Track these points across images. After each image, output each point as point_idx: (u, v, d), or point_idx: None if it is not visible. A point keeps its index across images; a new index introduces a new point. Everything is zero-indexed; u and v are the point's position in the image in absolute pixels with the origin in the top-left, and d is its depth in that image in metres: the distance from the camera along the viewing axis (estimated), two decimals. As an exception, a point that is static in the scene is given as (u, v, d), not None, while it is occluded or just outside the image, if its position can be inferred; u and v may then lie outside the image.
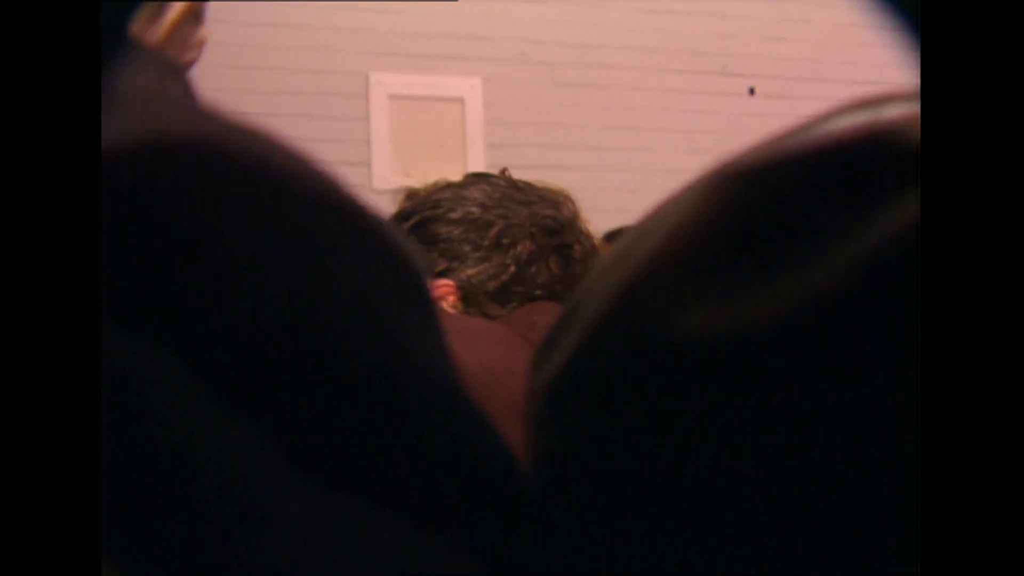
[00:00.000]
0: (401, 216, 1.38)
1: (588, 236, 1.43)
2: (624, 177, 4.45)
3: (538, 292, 1.31)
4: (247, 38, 4.13)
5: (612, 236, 3.94)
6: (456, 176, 4.53)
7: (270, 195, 0.39)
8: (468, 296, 1.29)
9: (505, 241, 1.31)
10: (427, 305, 0.43)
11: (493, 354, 1.16)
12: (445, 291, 1.30)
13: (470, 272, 1.30)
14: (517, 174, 1.38)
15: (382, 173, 4.21)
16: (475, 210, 1.33)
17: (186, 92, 0.53)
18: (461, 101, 4.34)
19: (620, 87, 4.42)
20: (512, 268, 1.30)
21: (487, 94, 4.39)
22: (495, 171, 1.35)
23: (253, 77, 4.10)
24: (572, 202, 1.86)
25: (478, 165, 4.33)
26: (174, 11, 0.87)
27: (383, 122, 4.25)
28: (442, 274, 1.31)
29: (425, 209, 1.36)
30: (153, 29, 0.94)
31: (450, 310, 1.31)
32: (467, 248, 1.31)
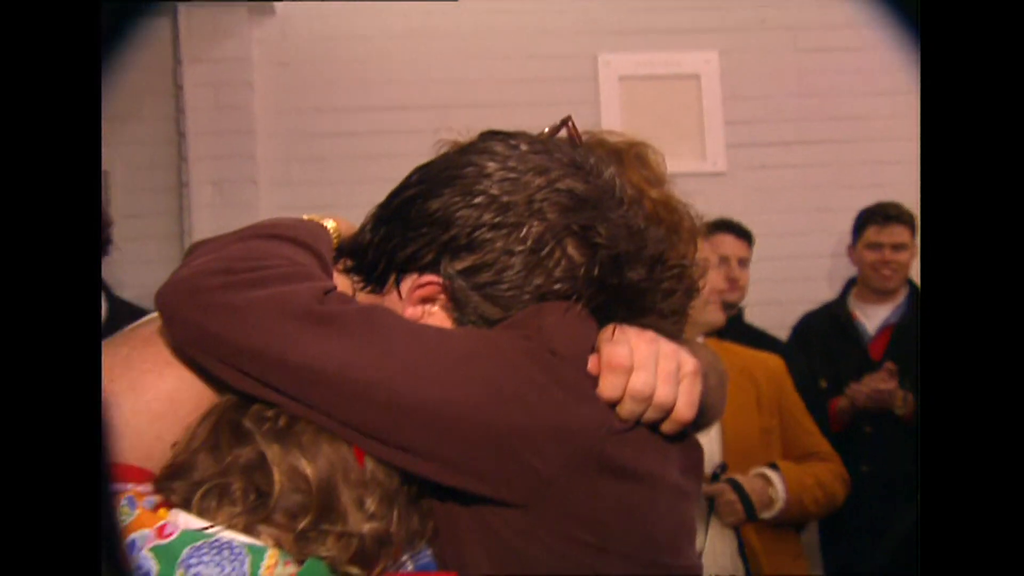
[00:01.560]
0: (405, 184, 1.08)
1: (637, 216, 1.06)
2: (880, 149, 4.04)
3: (556, 286, 1.00)
4: (472, 27, 4.09)
5: (721, 226, 3.57)
6: (692, 159, 4.28)
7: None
8: (459, 295, 1.01)
9: (505, 221, 1.00)
10: None
11: (491, 377, 0.93)
12: (432, 291, 1.03)
13: (461, 264, 1.01)
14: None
15: (613, 158, 4.05)
16: (476, 183, 1.02)
17: None
18: (696, 78, 4.10)
19: (873, 48, 3.99)
20: (515, 257, 1.00)
21: (724, 67, 4.13)
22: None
23: (481, 67, 4.06)
24: (648, 163, 1.39)
25: (717, 145, 4.08)
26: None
27: (614, 105, 4.10)
28: (428, 267, 1.02)
29: (424, 181, 1.06)
30: None
31: (440, 314, 1.02)
32: (456, 232, 1.00)
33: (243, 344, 0.91)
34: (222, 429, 0.93)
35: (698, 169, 4.05)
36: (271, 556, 0.85)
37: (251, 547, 0.85)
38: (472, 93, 3.97)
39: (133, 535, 0.83)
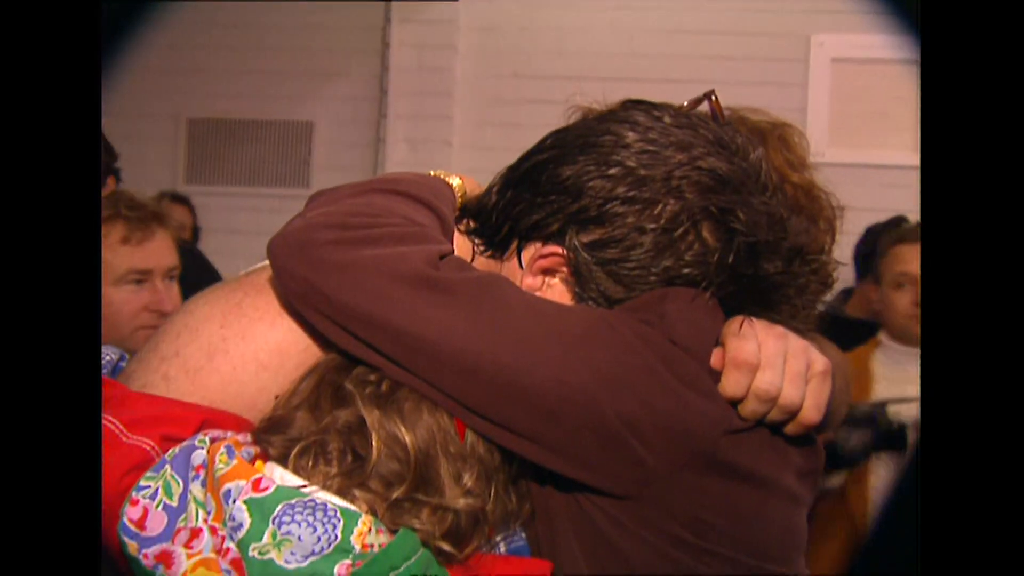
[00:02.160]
0: (538, 147, 1.02)
1: (781, 204, 0.97)
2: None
3: (686, 270, 0.93)
4: (680, 0, 3.99)
5: (892, 227, 3.16)
6: (900, 151, 3.99)
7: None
8: (582, 270, 0.95)
9: (639, 196, 0.93)
10: None
11: (606, 362, 0.87)
12: (554, 262, 0.97)
13: (588, 237, 0.94)
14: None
15: (816, 145, 3.87)
16: (613, 152, 0.95)
17: None
18: (916, 64, 3.83)
19: None
20: (646, 235, 0.93)
21: (950, 55, 3.84)
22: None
23: (686, 42, 3.95)
24: (791, 146, 1.29)
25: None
26: None
27: (823, 88, 3.90)
28: (552, 238, 0.96)
29: (557, 146, 0.99)
30: None
31: (559, 287, 0.97)
32: (586, 202, 0.94)
33: (350, 304, 0.89)
34: (324, 388, 0.90)
35: (909, 162, 3.81)
36: (364, 522, 0.82)
37: (345, 511, 0.82)
38: (675, 68, 3.87)
39: (228, 484, 0.82)
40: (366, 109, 4.04)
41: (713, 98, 1.09)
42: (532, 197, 0.98)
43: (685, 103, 1.07)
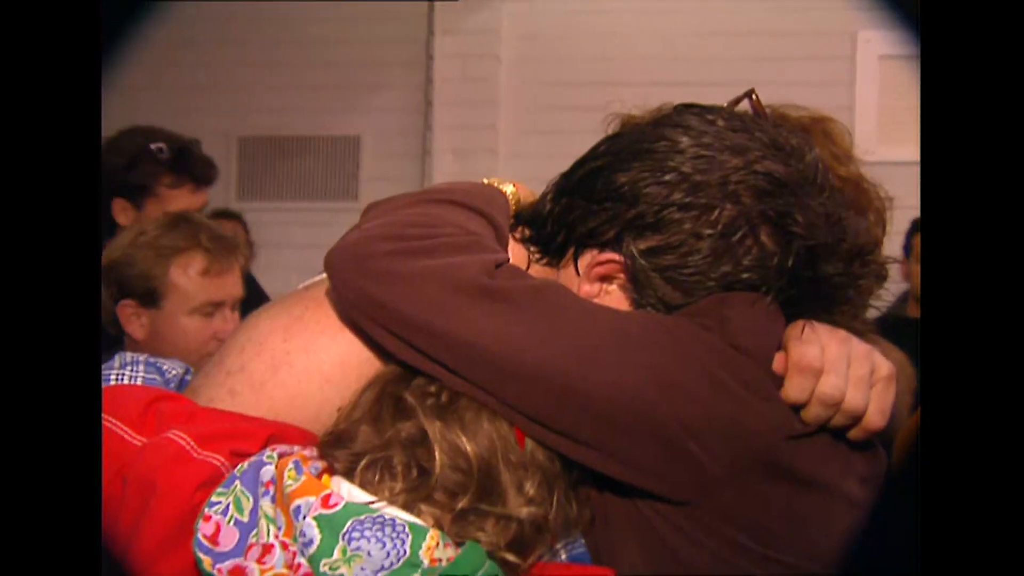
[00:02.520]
0: (591, 154, 1.01)
1: (838, 205, 0.94)
2: None
3: (745, 275, 0.92)
4: (721, 2, 3.96)
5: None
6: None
7: None
8: (639, 276, 0.94)
9: (696, 202, 0.92)
10: None
11: (665, 366, 0.87)
12: (611, 269, 0.96)
13: (645, 244, 0.94)
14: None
15: (866, 143, 3.82)
16: (668, 158, 0.94)
17: None
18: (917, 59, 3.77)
19: None
20: (703, 241, 0.92)
21: (1000, 48, 3.76)
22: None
23: (729, 44, 3.92)
24: (835, 139, 1.26)
25: (984, 132, 3.74)
26: None
27: (871, 86, 3.85)
28: (609, 244, 0.96)
29: (612, 152, 0.99)
30: None
31: (617, 294, 0.97)
32: (643, 209, 0.94)
33: (408, 314, 0.89)
34: (385, 401, 0.90)
35: (961, 158, 3.73)
36: (432, 537, 0.83)
37: (413, 526, 0.83)
38: (717, 71, 3.85)
39: (298, 501, 0.83)
40: (412, 121, 4.07)
41: (754, 97, 1.08)
42: (587, 204, 0.98)
43: (725, 103, 1.07)
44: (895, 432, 1.21)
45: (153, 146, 2.23)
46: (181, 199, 2.25)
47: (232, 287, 1.89)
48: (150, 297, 1.85)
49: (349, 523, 0.82)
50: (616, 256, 0.96)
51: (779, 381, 0.90)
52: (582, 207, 0.99)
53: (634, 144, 0.98)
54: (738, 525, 0.88)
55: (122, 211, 2.24)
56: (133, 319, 1.88)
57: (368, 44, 4.14)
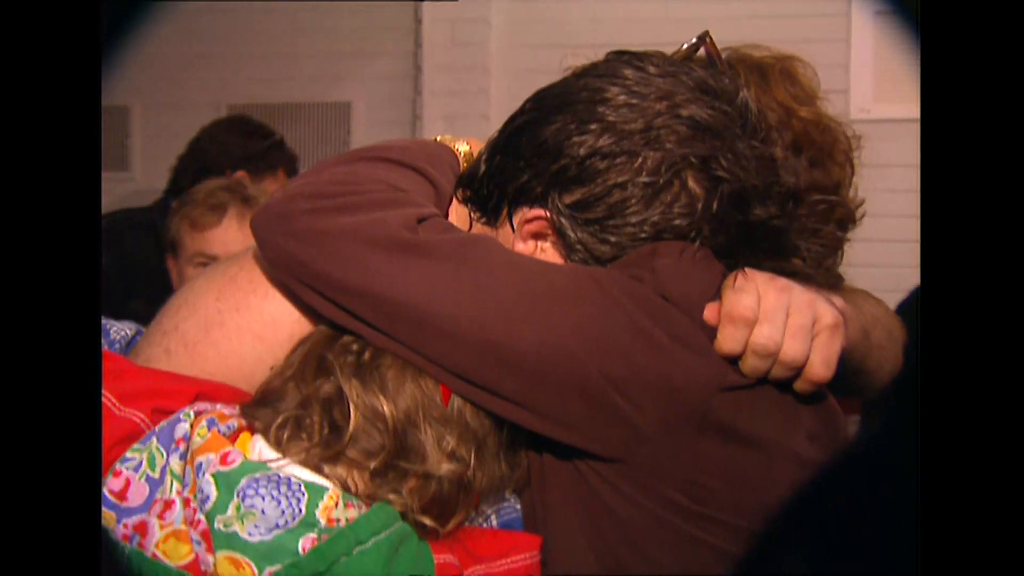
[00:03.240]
0: (519, 110, 1.01)
1: (773, 146, 0.93)
2: None
3: (676, 222, 0.90)
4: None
5: None
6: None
7: None
8: (567, 231, 0.93)
9: (619, 150, 0.90)
10: None
11: (590, 320, 0.85)
12: (540, 226, 0.95)
13: (570, 198, 0.92)
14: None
15: (861, 101, 3.79)
16: (592, 108, 0.92)
17: None
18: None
19: None
20: (628, 190, 0.90)
21: (997, 2, 3.72)
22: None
23: (719, 2, 3.88)
24: (797, 79, 1.21)
25: (982, 88, 3.70)
26: None
27: (866, 43, 3.81)
28: (537, 201, 0.94)
29: (538, 107, 0.98)
30: None
31: (551, 251, 0.95)
32: (566, 162, 0.92)
33: (328, 272, 0.88)
34: (309, 360, 0.90)
35: (958, 115, 3.70)
36: (331, 496, 0.82)
37: (310, 485, 0.82)
38: (715, 30, 3.80)
39: (200, 458, 0.83)
40: (402, 87, 4.03)
41: (708, 40, 1.07)
42: (515, 161, 0.97)
43: (684, 47, 1.05)
44: (871, 387, 1.17)
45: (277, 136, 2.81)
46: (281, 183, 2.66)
47: (221, 243, 2.04)
48: (172, 248, 2.21)
49: (244, 480, 0.82)
50: (543, 212, 0.95)
51: (712, 332, 0.87)
52: (511, 165, 0.97)
53: (558, 97, 0.97)
54: (672, 483, 0.86)
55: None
56: (173, 269, 2.22)
57: (356, 10, 4.09)
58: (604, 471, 0.86)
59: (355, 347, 0.89)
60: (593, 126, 0.92)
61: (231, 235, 2.07)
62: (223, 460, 0.83)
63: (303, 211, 0.90)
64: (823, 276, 0.97)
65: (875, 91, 3.81)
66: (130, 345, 1.04)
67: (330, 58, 4.17)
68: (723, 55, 1.11)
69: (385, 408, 0.86)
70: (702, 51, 1.06)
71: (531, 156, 0.95)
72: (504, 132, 1.01)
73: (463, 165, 1.06)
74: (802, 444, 0.90)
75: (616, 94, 0.93)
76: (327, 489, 0.83)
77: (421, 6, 3.97)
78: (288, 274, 0.92)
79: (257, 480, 0.81)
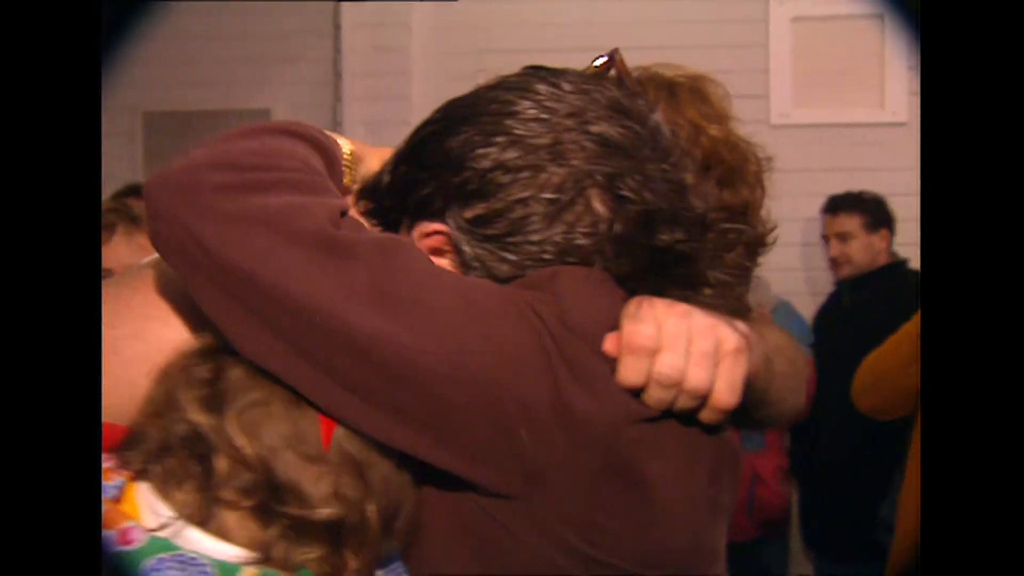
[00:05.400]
0: (426, 120, 0.95)
1: (685, 170, 0.88)
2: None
3: (579, 242, 0.86)
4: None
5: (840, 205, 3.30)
6: (869, 108, 4.02)
7: None
8: (466, 248, 0.88)
9: (523, 164, 0.86)
10: None
11: (508, 343, 0.80)
12: (438, 241, 0.90)
13: (471, 212, 0.88)
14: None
15: (781, 106, 3.83)
16: (501, 121, 0.88)
17: None
18: (880, 18, 3.79)
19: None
20: (531, 206, 0.86)
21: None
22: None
23: (647, 7, 3.89)
24: (708, 98, 1.17)
25: (899, 95, 3.77)
26: None
27: (785, 49, 3.85)
28: (436, 215, 0.89)
29: (445, 118, 0.93)
30: None
31: (447, 267, 0.89)
32: (468, 175, 0.87)
33: (236, 264, 0.78)
34: (158, 395, 0.81)
35: (875, 119, 3.77)
36: (246, 573, 0.74)
37: (222, 565, 0.74)
38: (634, 35, 3.80)
39: (105, 533, 0.74)
40: (322, 93, 3.96)
41: (617, 58, 1.02)
42: (418, 172, 0.91)
43: (595, 63, 1.01)
44: (774, 419, 1.14)
45: None
46: None
47: (111, 258, 1.99)
48: None
49: (149, 563, 0.74)
50: (442, 227, 0.90)
51: (614, 363, 0.82)
52: (414, 176, 0.91)
53: (468, 107, 0.92)
54: (570, 523, 0.81)
55: None
56: None
57: (275, 15, 4.01)
58: (497, 510, 0.81)
59: (206, 376, 0.81)
60: (499, 139, 0.88)
61: (121, 251, 2.04)
62: (123, 537, 0.75)
63: (213, 186, 0.79)
64: (733, 304, 0.93)
65: (795, 96, 3.85)
66: None
67: (249, 64, 4.07)
68: (634, 74, 1.07)
69: (245, 446, 0.77)
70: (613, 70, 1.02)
71: (434, 167, 0.90)
72: (409, 142, 0.96)
73: (346, 168, 0.98)
74: (703, 484, 0.87)
75: (526, 108, 0.89)
76: (239, 568, 0.75)
77: (340, 9, 3.90)
78: (182, 258, 0.80)
79: (163, 560, 0.74)
